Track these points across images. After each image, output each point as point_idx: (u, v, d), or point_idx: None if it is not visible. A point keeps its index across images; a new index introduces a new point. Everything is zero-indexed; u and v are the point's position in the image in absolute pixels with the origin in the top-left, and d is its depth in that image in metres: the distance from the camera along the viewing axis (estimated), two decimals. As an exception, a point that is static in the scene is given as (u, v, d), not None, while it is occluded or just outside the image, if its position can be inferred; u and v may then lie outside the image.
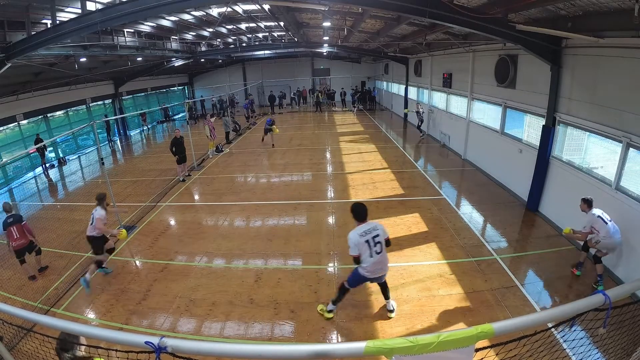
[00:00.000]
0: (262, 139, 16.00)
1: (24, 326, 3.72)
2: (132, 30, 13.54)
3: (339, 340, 4.61)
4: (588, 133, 6.46)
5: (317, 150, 14.85)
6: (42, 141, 12.97)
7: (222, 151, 15.18)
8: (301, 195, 9.64)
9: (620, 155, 5.48)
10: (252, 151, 15.13)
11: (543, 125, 7.39)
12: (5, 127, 13.56)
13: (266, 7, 10.70)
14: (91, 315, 5.28)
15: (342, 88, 28.79)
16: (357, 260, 4.36)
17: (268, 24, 16.73)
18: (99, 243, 5.95)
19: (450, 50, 12.73)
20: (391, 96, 24.78)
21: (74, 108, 17.83)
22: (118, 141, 20.16)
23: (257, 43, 21.64)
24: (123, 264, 6.63)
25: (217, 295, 5.52)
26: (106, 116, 18.63)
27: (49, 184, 12.94)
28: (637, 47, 5.08)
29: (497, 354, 1.98)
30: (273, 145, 15.43)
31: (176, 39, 17.36)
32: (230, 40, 21.32)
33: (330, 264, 6.30)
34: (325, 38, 17.79)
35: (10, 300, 5.59)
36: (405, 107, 19.83)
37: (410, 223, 7.62)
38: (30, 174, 14.03)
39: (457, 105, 13.00)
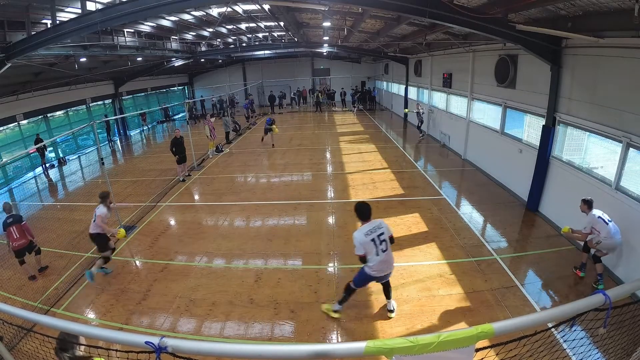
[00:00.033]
0: (262, 139, 16.01)
1: (24, 326, 3.73)
2: (132, 30, 13.54)
3: (339, 340, 4.61)
4: (588, 133, 6.46)
5: (317, 150, 14.85)
6: (42, 141, 12.97)
7: (222, 151, 15.18)
8: (301, 195, 9.64)
9: (620, 155, 5.48)
10: (252, 151, 15.13)
11: (543, 125, 7.39)
12: (5, 127, 13.56)
13: (266, 7, 10.70)
14: (91, 315, 5.28)
15: (342, 88, 28.80)
16: (363, 259, 4.35)
17: (268, 24, 16.73)
18: (102, 240, 5.98)
19: (450, 50, 12.73)
20: (391, 96, 24.78)
21: (74, 108, 17.84)
22: (118, 141, 20.16)
23: (257, 43, 21.64)
24: (123, 264, 6.62)
25: (217, 295, 5.52)
26: (106, 116, 18.63)
27: (49, 184, 12.94)
28: (637, 47, 5.08)
29: (497, 354, 1.98)
30: (273, 145, 15.43)
31: (176, 39, 17.36)
32: (230, 40, 21.32)
33: (330, 264, 6.30)
34: (325, 38, 17.79)
35: (10, 300, 5.59)
36: (406, 107, 19.83)
37: (410, 223, 7.62)
38: (30, 174, 14.03)
39: (457, 105, 13.00)
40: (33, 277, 6.17)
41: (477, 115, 11.38)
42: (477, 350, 1.52)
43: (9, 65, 8.80)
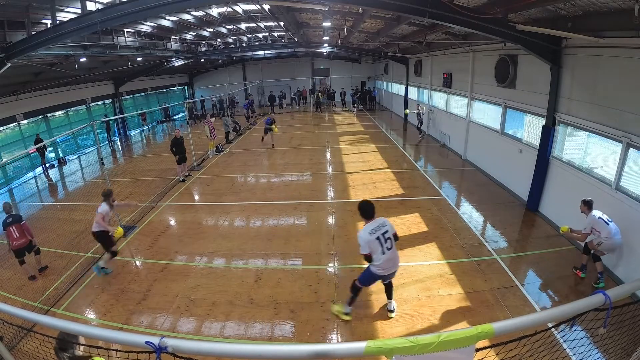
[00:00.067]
0: (262, 139, 16.01)
1: (24, 326, 3.73)
2: (132, 30, 13.54)
3: (339, 340, 4.61)
4: (588, 133, 6.46)
5: (317, 150, 14.85)
6: (42, 141, 12.98)
7: (222, 151, 15.18)
8: (301, 195, 9.64)
9: (620, 155, 5.48)
10: (252, 151, 15.13)
11: (543, 125, 7.39)
12: (5, 127, 13.56)
13: (266, 7, 10.70)
14: (91, 315, 5.28)
15: (342, 88, 28.79)
16: (368, 258, 4.33)
17: (268, 24, 16.73)
18: (104, 238, 6.03)
19: (450, 50, 12.73)
20: (391, 96, 24.79)
21: (74, 108, 17.84)
22: (118, 141, 20.16)
23: (257, 43, 21.64)
24: (123, 264, 6.62)
25: (217, 295, 5.52)
26: (106, 116, 18.63)
27: (49, 184, 12.94)
28: (637, 47, 5.08)
29: (497, 354, 1.98)
30: (273, 145, 15.43)
31: (176, 39, 17.36)
32: (230, 40, 21.32)
33: (330, 264, 6.30)
34: (325, 38, 17.79)
35: (10, 300, 5.59)
36: (406, 107, 19.83)
37: (410, 223, 7.62)
38: (30, 174, 14.03)
39: (457, 105, 13.00)
40: (33, 277, 6.17)
41: (477, 115, 11.38)
42: (477, 350, 1.52)
43: (9, 65, 8.80)
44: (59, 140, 16.19)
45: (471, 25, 6.41)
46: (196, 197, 10.23)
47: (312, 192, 9.93)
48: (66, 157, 16.06)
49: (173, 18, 13.39)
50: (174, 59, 18.91)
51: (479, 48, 10.60)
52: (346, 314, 4.84)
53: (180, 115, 28.02)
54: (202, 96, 28.66)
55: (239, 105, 28.67)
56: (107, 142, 19.29)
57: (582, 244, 5.49)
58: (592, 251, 5.26)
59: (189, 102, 24.96)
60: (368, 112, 25.37)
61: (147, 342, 1.48)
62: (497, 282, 5.52)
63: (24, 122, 14.24)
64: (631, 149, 5.32)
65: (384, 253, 4.26)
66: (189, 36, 17.99)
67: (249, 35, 20.04)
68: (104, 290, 5.81)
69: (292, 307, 5.18)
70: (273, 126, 15.10)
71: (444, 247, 6.61)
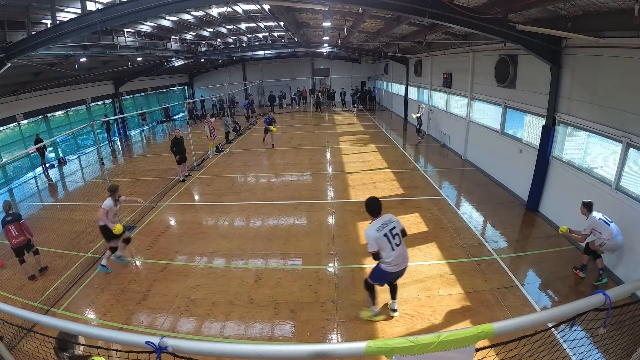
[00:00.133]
0: (263, 139, 15.98)
1: (24, 326, 3.73)
2: (132, 30, 13.54)
3: (339, 340, 4.61)
4: (588, 133, 6.46)
5: (317, 150, 14.85)
6: (42, 141, 12.97)
7: (222, 151, 15.18)
8: (301, 195, 9.64)
9: (620, 155, 5.48)
10: (252, 151, 15.13)
11: (543, 125, 7.39)
12: (5, 127, 13.56)
13: (266, 7, 10.70)
14: (91, 315, 5.28)
15: (342, 88, 28.80)
16: (375, 256, 4.32)
17: (268, 24, 16.73)
18: (107, 232, 6.13)
19: (450, 50, 12.73)
20: (391, 96, 24.79)
21: (74, 108, 17.84)
22: (118, 141, 20.16)
23: (257, 43, 21.64)
24: (123, 264, 6.62)
25: (217, 295, 5.52)
26: (106, 116, 18.63)
27: (49, 184, 12.94)
28: (637, 47, 5.08)
29: (497, 354, 1.98)
30: (273, 145, 15.43)
31: (176, 39, 17.36)
32: (230, 40, 21.32)
33: (330, 264, 6.30)
34: (325, 38, 17.79)
35: (10, 300, 5.59)
36: (406, 107, 19.80)
37: (410, 223, 7.61)
38: (30, 174, 14.03)
39: (457, 105, 13.00)
40: (33, 276, 6.18)
41: (477, 115, 11.38)
42: (477, 350, 1.52)
43: (9, 65, 8.80)
44: (59, 140, 16.19)
45: (471, 25, 6.41)
46: (196, 197, 10.23)
47: (312, 192, 9.93)
48: (66, 157, 16.07)
49: (173, 18, 13.39)
50: (174, 59, 18.91)
51: (479, 48, 10.60)
52: (376, 314, 4.83)
53: (180, 115, 28.02)
54: (202, 96, 28.67)
55: (238, 105, 28.67)
56: (107, 142, 19.29)
57: (583, 244, 5.49)
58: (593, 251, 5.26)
59: (189, 102, 24.97)
60: (368, 112, 25.37)
61: (147, 342, 1.49)
62: (497, 282, 5.52)
63: (24, 122, 14.24)
64: (631, 149, 5.32)
65: (393, 249, 4.23)
66: (189, 36, 18.00)
67: (249, 35, 20.04)
68: (104, 290, 5.81)
69: (292, 307, 5.18)
70: (271, 126, 15.07)
71: (444, 247, 6.61)
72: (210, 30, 16.59)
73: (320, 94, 27.69)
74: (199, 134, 16.70)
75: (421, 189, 9.72)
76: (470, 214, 8.15)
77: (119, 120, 20.45)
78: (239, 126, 19.56)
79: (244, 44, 20.47)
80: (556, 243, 6.58)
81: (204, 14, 13.39)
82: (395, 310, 4.89)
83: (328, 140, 16.58)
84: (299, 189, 10.19)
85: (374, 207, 4.32)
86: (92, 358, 2.49)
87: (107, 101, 20.26)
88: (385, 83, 26.84)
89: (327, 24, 12.81)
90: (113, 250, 6.32)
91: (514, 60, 8.56)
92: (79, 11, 8.38)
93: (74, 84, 16.40)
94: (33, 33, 8.77)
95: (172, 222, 8.51)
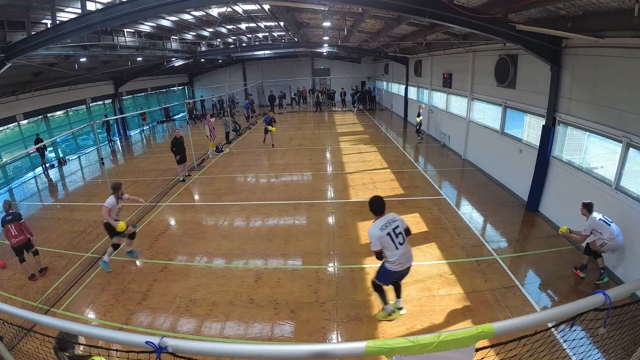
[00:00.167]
0: (264, 140, 15.96)
1: (24, 326, 3.73)
2: (132, 30, 13.54)
3: (339, 340, 4.61)
4: (588, 133, 6.46)
5: (317, 150, 14.85)
6: (42, 141, 12.98)
7: (222, 151, 15.18)
8: (301, 195, 9.64)
9: (620, 155, 5.48)
10: (252, 151, 15.13)
11: (543, 125, 7.39)
12: (5, 127, 13.56)
13: (266, 7, 10.70)
14: (91, 315, 5.28)
15: (342, 88, 28.80)
16: (379, 255, 4.30)
17: (268, 24, 16.74)
18: (110, 228, 6.20)
19: (450, 50, 12.73)
20: (391, 96, 24.79)
21: (74, 108, 17.84)
22: (118, 141, 20.17)
23: (257, 43, 21.64)
24: (123, 264, 6.62)
25: (217, 295, 5.52)
26: (106, 116, 18.64)
27: (49, 184, 12.94)
28: (637, 47, 5.08)
29: (497, 354, 1.98)
30: (273, 145, 15.42)
31: (176, 39, 17.36)
32: (230, 40, 21.32)
33: (330, 264, 6.30)
34: (325, 38, 17.79)
35: (10, 300, 5.59)
36: (406, 108, 19.78)
37: (410, 223, 7.59)
38: (30, 174, 14.03)
39: (457, 105, 13.00)
40: (33, 275, 6.19)
41: (477, 115, 11.38)
42: (477, 350, 1.52)
43: (9, 65, 8.80)
44: (59, 140, 16.19)
45: (471, 25, 6.41)
46: (196, 197, 10.23)
47: (312, 192, 9.93)
48: (66, 157, 16.07)
49: (173, 18, 13.39)
50: (174, 59, 18.91)
51: (479, 48, 10.60)
52: (390, 314, 4.83)
53: (180, 115, 28.02)
54: (202, 96, 28.67)
55: (238, 105, 28.67)
56: (107, 142, 19.29)
57: (583, 244, 5.50)
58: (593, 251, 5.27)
59: (189, 102, 24.96)
60: (368, 112, 25.37)
61: (147, 342, 1.48)
62: (497, 282, 5.52)
63: (24, 122, 14.25)
64: (631, 149, 5.32)
65: (397, 248, 4.22)
66: (189, 36, 18.00)
67: (249, 35, 20.04)
68: (104, 290, 5.81)
69: (292, 307, 5.18)
70: (269, 126, 15.05)
71: (444, 247, 6.61)
72: (210, 30, 16.59)
73: (320, 94, 27.69)
74: (199, 134, 16.70)
75: (421, 189, 9.72)
76: (470, 214, 8.15)
77: (119, 120, 20.46)
78: (239, 126, 19.56)
79: (244, 44, 20.47)
80: (556, 243, 6.58)
81: (204, 14, 13.39)
82: (401, 309, 4.90)
83: (328, 140, 16.58)
84: (299, 189, 10.19)
85: (377, 206, 4.32)
86: (92, 358, 2.49)
87: (107, 101, 20.27)
88: (385, 83, 26.85)
89: (327, 24, 12.81)
90: (116, 247, 6.37)
91: (514, 60, 8.56)
92: (79, 11, 8.39)
93: (74, 84, 16.40)
94: (33, 33, 8.77)
95: (172, 222, 8.51)
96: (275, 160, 13.48)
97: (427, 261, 6.17)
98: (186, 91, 31.61)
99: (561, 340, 3.99)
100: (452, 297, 5.23)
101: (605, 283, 5.24)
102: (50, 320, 1.82)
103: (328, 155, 13.99)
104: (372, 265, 5.99)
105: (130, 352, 1.75)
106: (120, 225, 6.14)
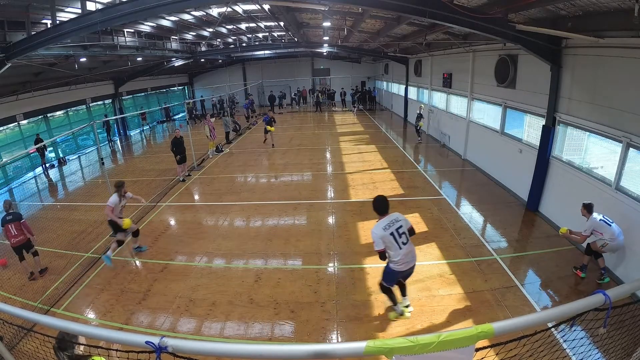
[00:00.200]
0: (264, 140, 15.96)
1: (24, 326, 3.73)
2: (132, 30, 13.54)
3: (339, 340, 4.61)
4: (588, 133, 6.46)
5: (317, 150, 14.85)
6: (42, 141, 12.98)
7: (222, 151, 15.18)
8: (301, 195, 9.64)
9: (620, 155, 5.48)
10: (252, 151, 15.13)
11: (543, 125, 7.39)
12: (5, 127, 13.56)
13: (266, 7, 10.70)
14: (91, 315, 5.28)
15: (342, 88, 28.79)
16: (382, 255, 4.30)
17: (268, 24, 16.73)
18: (113, 225, 6.34)
19: (450, 50, 12.73)
20: (391, 96, 24.79)
21: (74, 108, 17.84)
22: (118, 141, 20.17)
23: (257, 43, 21.64)
24: (123, 264, 6.62)
25: (217, 295, 5.52)
26: (106, 116, 18.64)
27: (49, 184, 12.94)
28: (637, 47, 5.08)
29: (497, 354, 1.98)
30: (273, 145, 15.42)
31: (176, 39, 17.36)
32: (230, 40, 21.32)
33: (330, 264, 6.30)
34: (325, 38, 17.79)
35: (10, 300, 5.59)
36: (405, 109, 19.77)
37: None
38: (30, 174, 14.04)
39: (457, 105, 13.00)
40: (32, 274, 6.20)
41: (477, 115, 11.38)
42: (477, 350, 1.52)
43: (9, 65, 8.79)
44: (59, 140, 16.19)
45: (471, 25, 6.40)
46: (196, 197, 10.23)
47: (312, 192, 9.93)
48: (66, 157, 16.07)
49: (173, 18, 13.39)
50: (174, 59, 18.91)
51: (479, 48, 10.60)
52: (401, 314, 4.84)
53: (180, 115, 28.02)
54: (202, 96, 28.67)
55: (238, 105, 28.67)
56: (107, 142, 19.29)
57: (584, 245, 5.49)
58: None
59: (189, 102, 24.96)
60: (368, 112, 25.37)
61: (147, 342, 1.48)
62: (497, 282, 5.52)
63: (24, 122, 14.25)
64: (631, 149, 5.32)
65: (400, 248, 4.22)
66: (189, 36, 18.00)
67: (249, 35, 20.04)
68: (104, 290, 5.81)
69: (292, 307, 5.18)
70: (268, 126, 15.03)
71: (444, 247, 6.61)
72: (210, 30, 16.59)
73: (320, 94, 27.68)
74: (199, 134, 16.70)
75: (421, 189, 9.72)
76: (470, 214, 8.15)
77: (119, 120, 20.46)
78: (239, 126, 19.56)
79: (244, 44, 20.47)
80: (556, 243, 6.58)
81: (204, 14, 13.40)
82: (408, 306, 4.90)
83: (328, 140, 16.58)
84: (299, 189, 10.19)
85: (381, 205, 4.32)
86: (92, 358, 2.49)
87: (107, 101, 20.26)
88: (385, 83, 26.84)
89: (327, 24, 12.81)
90: (120, 243, 6.47)
91: (514, 60, 8.56)
92: (79, 11, 8.38)
93: (74, 84, 16.40)
94: (33, 33, 8.76)
95: (172, 222, 8.51)
96: (275, 160, 13.48)
97: (427, 261, 6.17)
98: (186, 91, 31.61)
99: (561, 340, 3.99)
100: (452, 297, 5.23)
101: (607, 283, 5.24)
102: (50, 320, 1.82)
103: (328, 155, 13.99)
104: (372, 266, 6.00)
105: (130, 352, 1.75)
106: (126, 222, 6.22)
